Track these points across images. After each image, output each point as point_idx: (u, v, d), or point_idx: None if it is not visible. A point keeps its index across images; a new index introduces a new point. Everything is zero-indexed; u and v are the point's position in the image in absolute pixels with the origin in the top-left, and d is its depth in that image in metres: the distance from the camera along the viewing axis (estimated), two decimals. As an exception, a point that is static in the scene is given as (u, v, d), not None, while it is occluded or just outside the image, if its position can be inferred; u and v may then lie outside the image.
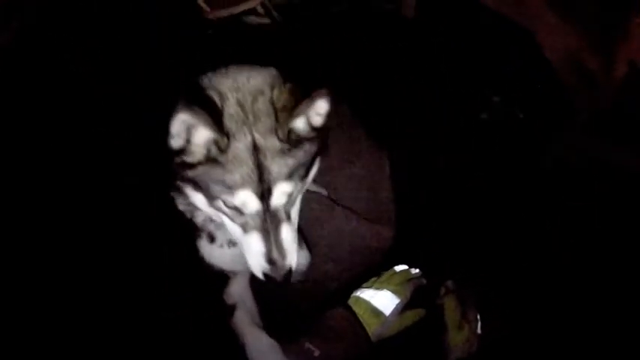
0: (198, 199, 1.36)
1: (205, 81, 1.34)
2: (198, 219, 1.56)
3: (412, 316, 1.61)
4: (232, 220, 1.33)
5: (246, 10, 3.05)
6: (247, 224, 1.30)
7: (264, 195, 1.26)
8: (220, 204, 1.30)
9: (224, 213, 1.33)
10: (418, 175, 2.62)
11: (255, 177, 1.24)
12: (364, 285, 1.65)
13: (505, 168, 2.41)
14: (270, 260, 1.29)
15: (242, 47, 2.37)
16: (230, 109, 1.28)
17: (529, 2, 2.46)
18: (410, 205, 2.28)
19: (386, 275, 1.64)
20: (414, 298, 1.62)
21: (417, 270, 1.69)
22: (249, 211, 1.28)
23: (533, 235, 2.11)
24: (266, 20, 3.17)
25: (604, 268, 1.95)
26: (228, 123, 1.26)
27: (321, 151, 1.43)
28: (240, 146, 1.24)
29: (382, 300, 1.56)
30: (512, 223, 2.16)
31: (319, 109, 1.30)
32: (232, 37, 2.61)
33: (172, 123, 1.22)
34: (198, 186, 1.31)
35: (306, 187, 1.45)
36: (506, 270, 1.94)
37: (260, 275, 1.34)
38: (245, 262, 1.40)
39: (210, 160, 1.25)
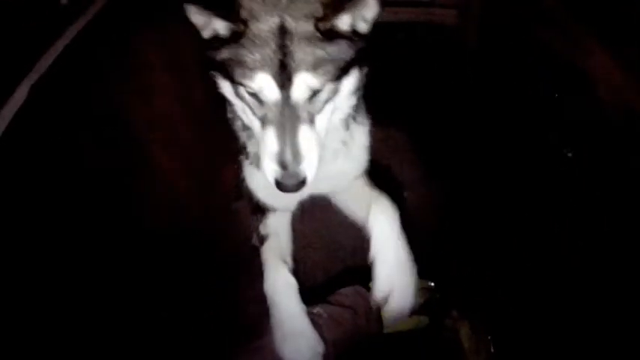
0: (226, 88, 1.33)
1: None
2: (248, 144, 1.54)
3: (417, 321, 1.62)
4: (254, 112, 1.27)
5: None
6: (266, 117, 1.22)
7: (285, 84, 1.18)
8: (243, 92, 1.24)
9: (247, 104, 1.27)
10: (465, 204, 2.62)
11: (276, 60, 1.16)
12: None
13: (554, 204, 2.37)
14: (282, 163, 1.19)
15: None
16: None
17: (582, 40, 2.43)
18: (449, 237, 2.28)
19: None
20: (423, 306, 1.64)
21: (432, 284, 1.70)
22: (268, 98, 1.20)
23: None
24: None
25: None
26: (253, 5, 1.21)
27: (360, 64, 1.32)
28: (263, 27, 1.19)
29: None
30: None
31: (369, 10, 1.23)
32: None
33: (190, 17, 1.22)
34: (225, 72, 1.26)
35: (339, 101, 1.34)
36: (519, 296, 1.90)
37: (271, 180, 1.25)
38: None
39: (232, 39, 1.20)
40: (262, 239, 1.70)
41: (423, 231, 2.21)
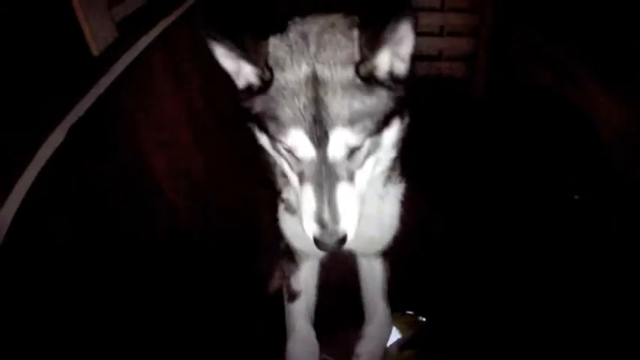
0: (263, 140, 1.23)
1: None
2: (279, 182, 1.46)
3: (411, 356, 1.64)
4: (291, 167, 1.18)
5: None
6: (303, 174, 1.12)
7: (320, 141, 1.07)
8: (279, 146, 1.15)
9: (284, 158, 1.18)
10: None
11: (308, 115, 1.05)
12: None
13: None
14: (321, 222, 1.09)
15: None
16: (288, 40, 1.12)
17: (587, 86, 2.52)
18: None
19: (395, 314, 1.68)
20: (414, 341, 1.65)
21: (424, 319, 1.71)
22: (302, 156, 1.11)
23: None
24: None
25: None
26: (279, 53, 1.10)
27: (401, 114, 1.20)
28: (291, 77, 1.08)
29: None
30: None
31: (405, 43, 1.11)
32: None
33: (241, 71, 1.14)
34: (261, 125, 1.17)
35: (381, 155, 1.21)
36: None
37: (311, 237, 1.14)
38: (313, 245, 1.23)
39: (259, 90, 1.11)
40: (293, 296, 1.69)
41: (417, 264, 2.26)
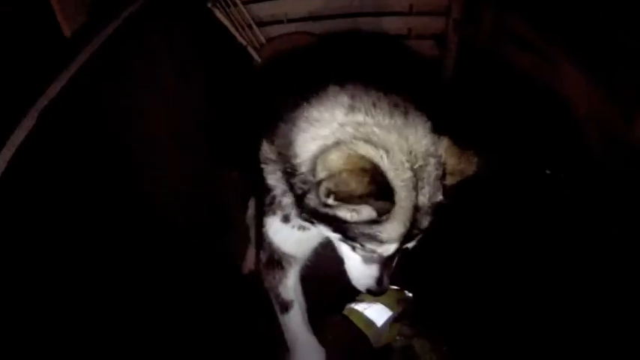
0: (331, 235, 1.33)
1: (364, 130, 1.20)
2: (283, 201, 1.46)
3: (400, 328, 1.65)
4: (354, 251, 1.33)
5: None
6: (371, 259, 1.32)
7: (406, 242, 1.28)
8: (357, 245, 1.28)
9: (352, 248, 1.32)
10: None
11: (406, 233, 1.23)
12: (358, 298, 1.70)
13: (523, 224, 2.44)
14: (380, 282, 1.34)
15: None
16: (404, 175, 1.18)
17: (564, 69, 2.54)
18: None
19: None
20: (402, 316, 1.67)
21: (410, 294, 1.73)
22: (386, 254, 1.29)
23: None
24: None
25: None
26: (398, 190, 1.17)
27: None
28: (403, 210, 1.19)
29: (375, 312, 1.61)
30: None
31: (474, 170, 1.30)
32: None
33: (359, 212, 1.17)
34: (348, 236, 1.27)
35: None
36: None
37: (362, 289, 1.40)
38: (305, 248, 1.52)
39: (368, 222, 1.20)
40: (286, 306, 1.67)
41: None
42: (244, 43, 3.19)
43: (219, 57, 3.18)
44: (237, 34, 3.14)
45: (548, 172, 2.65)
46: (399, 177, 1.16)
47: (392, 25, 3.50)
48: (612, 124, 2.27)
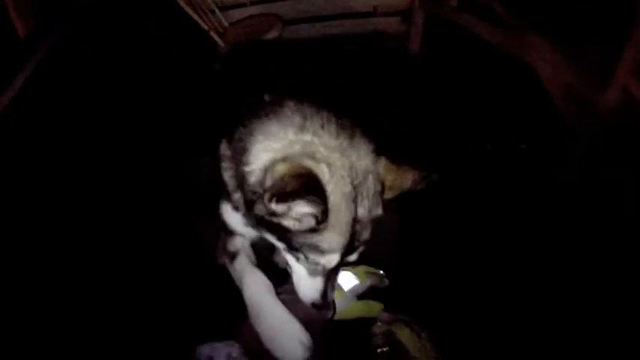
0: (276, 243, 1.41)
1: (310, 148, 1.30)
2: (234, 196, 1.56)
3: (371, 306, 1.65)
4: (300, 263, 1.41)
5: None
6: (315, 271, 1.40)
7: (347, 254, 1.36)
8: (301, 255, 1.37)
9: (297, 259, 1.40)
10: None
11: (347, 244, 1.32)
12: None
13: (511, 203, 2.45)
14: (324, 295, 1.42)
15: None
16: (345, 189, 1.28)
17: (532, 40, 2.54)
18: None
19: (349, 266, 1.67)
20: (372, 291, 1.66)
21: (382, 272, 1.72)
22: (329, 266, 1.38)
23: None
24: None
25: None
26: (338, 200, 1.27)
27: None
28: (342, 220, 1.29)
29: (342, 277, 1.59)
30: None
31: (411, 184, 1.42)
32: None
33: (300, 220, 1.27)
34: (292, 246, 1.35)
35: None
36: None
37: (307, 302, 1.46)
38: (249, 229, 1.53)
39: (310, 230, 1.28)
40: (233, 256, 1.75)
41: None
42: (207, 28, 3.09)
43: (182, 44, 3.09)
44: (199, 20, 3.04)
45: (523, 146, 2.68)
46: (339, 190, 1.26)
47: (358, 3, 3.45)
48: (583, 95, 2.27)
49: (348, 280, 1.63)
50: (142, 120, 2.46)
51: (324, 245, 1.30)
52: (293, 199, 1.20)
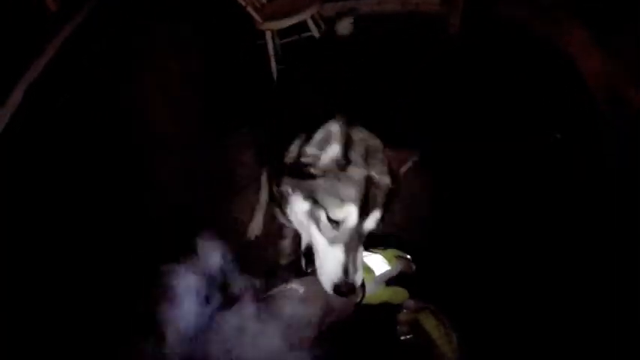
0: (300, 206, 1.56)
1: (342, 126, 1.51)
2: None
3: (397, 293, 1.65)
4: (322, 232, 1.52)
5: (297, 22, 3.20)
6: (336, 238, 1.49)
7: (363, 216, 1.46)
8: (321, 215, 1.50)
9: (317, 224, 1.52)
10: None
11: (362, 198, 1.46)
12: None
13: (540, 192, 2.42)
14: (346, 271, 1.46)
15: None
16: (358, 151, 1.52)
17: (572, 30, 2.48)
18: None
19: (379, 248, 1.69)
20: (401, 276, 1.66)
21: (409, 256, 1.72)
22: (348, 225, 1.47)
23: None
24: (315, 33, 3.33)
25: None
26: (354, 157, 1.50)
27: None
28: (358, 172, 1.49)
29: (373, 261, 1.62)
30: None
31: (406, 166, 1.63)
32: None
33: (319, 130, 1.49)
34: (309, 196, 1.52)
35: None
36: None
37: (329, 286, 1.47)
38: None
39: (332, 173, 1.48)
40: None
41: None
42: (244, 3, 3.11)
43: (219, 21, 3.13)
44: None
45: (558, 135, 2.62)
46: (357, 150, 1.51)
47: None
48: (617, 85, 2.21)
49: (379, 264, 1.64)
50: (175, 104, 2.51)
51: (343, 192, 1.46)
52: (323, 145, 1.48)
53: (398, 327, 1.62)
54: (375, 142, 1.58)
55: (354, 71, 2.67)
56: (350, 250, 1.46)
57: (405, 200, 2.62)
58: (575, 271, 2.00)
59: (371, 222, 1.48)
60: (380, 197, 1.49)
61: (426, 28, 3.51)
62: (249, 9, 3.13)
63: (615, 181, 2.20)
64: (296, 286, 1.54)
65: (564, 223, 2.21)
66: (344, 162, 1.48)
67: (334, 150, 1.49)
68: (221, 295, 1.49)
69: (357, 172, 1.48)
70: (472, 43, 3.27)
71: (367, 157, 1.52)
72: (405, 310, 1.65)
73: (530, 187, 2.45)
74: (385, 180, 1.52)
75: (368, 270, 1.59)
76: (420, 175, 2.85)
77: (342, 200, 1.45)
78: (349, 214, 1.45)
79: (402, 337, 1.60)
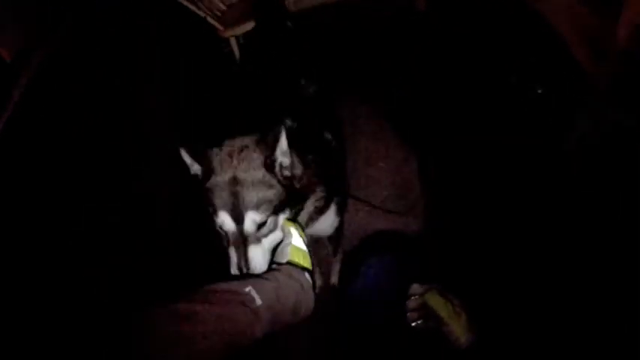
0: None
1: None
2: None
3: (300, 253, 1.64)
4: (222, 235, 1.66)
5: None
6: (229, 240, 1.62)
7: (239, 220, 1.57)
8: (215, 222, 1.62)
9: (220, 229, 1.64)
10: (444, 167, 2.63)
11: (230, 203, 1.57)
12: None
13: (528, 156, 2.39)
14: (240, 269, 1.58)
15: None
16: (221, 156, 1.63)
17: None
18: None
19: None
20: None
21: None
22: (227, 230, 1.60)
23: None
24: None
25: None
26: (215, 164, 1.61)
27: (292, 203, 1.71)
28: (221, 179, 1.59)
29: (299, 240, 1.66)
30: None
31: (282, 143, 1.62)
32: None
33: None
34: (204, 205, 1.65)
35: (278, 225, 1.69)
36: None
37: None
38: None
39: (204, 186, 1.61)
40: None
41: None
42: (203, 15, 3.05)
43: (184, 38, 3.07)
44: (192, 7, 3.00)
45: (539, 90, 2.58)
46: (219, 159, 1.62)
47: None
48: (599, 38, 2.17)
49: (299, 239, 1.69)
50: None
51: (215, 202, 1.57)
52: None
53: (408, 314, 1.62)
54: (245, 141, 1.67)
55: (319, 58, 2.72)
56: (239, 252, 1.58)
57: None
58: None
59: (249, 224, 1.57)
60: (250, 195, 1.57)
61: (392, 9, 3.47)
62: (210, 19, 3.07)
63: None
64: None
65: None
66: (207, 174, 1.61)
67: (194, 167, 1.66)
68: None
69: (220, 178, 1.60)
70: (440, 15, 3.23)
71: (233, 159, 1.62)
72: (412, 298, 1.63)
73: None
74: (256, 175, 1.60)
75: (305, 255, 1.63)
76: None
77: (215, 208, 1.58)
78: (223, 220, 1.58)
79: (413, 324, 1.60)
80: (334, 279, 2.74)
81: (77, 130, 1.86)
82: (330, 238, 2.49)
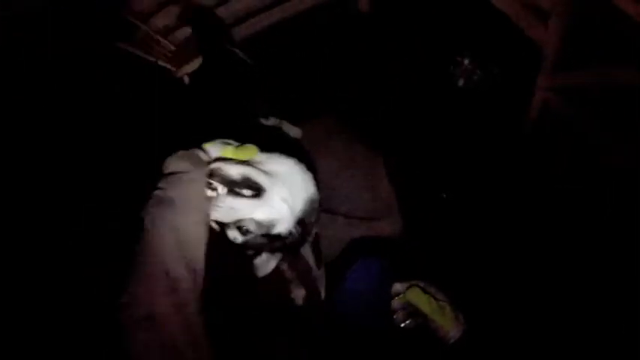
0: None
1: None
2: None
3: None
4: None
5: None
6: None
7: None
8: None
9: None
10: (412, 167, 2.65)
11: None
12: None
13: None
14: None
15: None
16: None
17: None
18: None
19: None
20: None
21: None
22: None
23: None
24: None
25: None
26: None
27: None
28: None
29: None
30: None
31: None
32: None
33: None
34: None
35: None
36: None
37: None
38: None
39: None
40: None
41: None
42: (154, 59, 3.06)
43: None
44: (141, 54, 3.01)
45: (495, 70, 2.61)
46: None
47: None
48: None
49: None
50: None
51: None
52: None
53: (395, 316, 1.59)
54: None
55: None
56: None
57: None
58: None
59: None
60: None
61: (336, 17, 3.49)
62: (161, 62, 3.08)
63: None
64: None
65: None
66: None
67: None
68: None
69: None
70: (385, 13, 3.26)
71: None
72: (396, 298, 1.64)
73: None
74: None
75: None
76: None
77: None
78: None
79: (402, 325, 1.57)
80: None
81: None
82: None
